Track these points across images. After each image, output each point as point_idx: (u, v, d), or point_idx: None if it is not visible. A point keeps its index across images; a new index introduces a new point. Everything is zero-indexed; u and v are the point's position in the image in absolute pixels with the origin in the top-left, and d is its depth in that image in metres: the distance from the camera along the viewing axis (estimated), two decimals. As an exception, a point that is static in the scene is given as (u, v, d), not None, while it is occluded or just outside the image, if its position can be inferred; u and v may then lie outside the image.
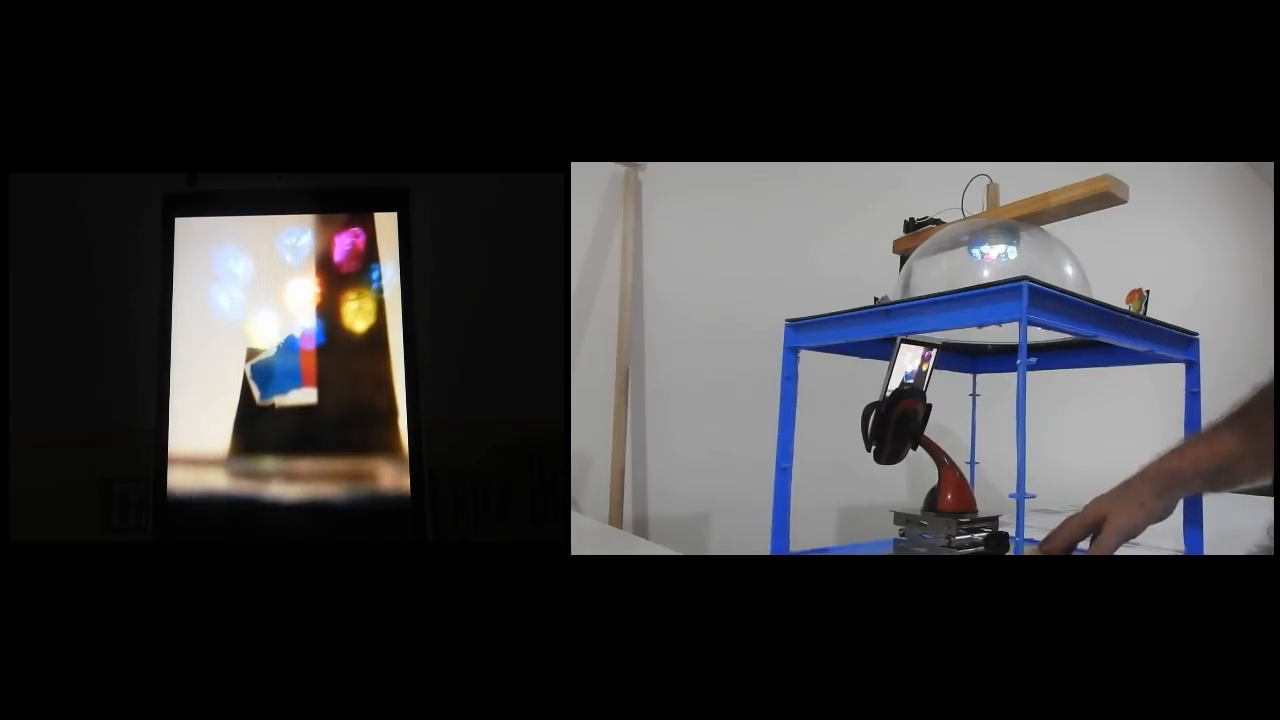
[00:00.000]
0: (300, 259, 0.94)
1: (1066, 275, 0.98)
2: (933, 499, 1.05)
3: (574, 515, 1.14)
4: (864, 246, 1.51)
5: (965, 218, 1.14)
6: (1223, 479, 0.81)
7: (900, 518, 1.08)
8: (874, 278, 1.26)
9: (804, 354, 1.10)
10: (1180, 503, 0.92)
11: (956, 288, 0.89)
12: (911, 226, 1.23)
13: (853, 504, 1.81)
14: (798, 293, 1.71)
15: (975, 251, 1.01)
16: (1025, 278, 0.80)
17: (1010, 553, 0.90)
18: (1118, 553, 0.77)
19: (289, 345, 0.92)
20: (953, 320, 0.89)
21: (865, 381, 1.06)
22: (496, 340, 0.91)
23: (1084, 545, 0.81)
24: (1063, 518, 0.82)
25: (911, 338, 0.98)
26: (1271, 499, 0.80)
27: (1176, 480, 0.81)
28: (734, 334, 1.67)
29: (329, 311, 0.93)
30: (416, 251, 0.93)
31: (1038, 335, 0.94)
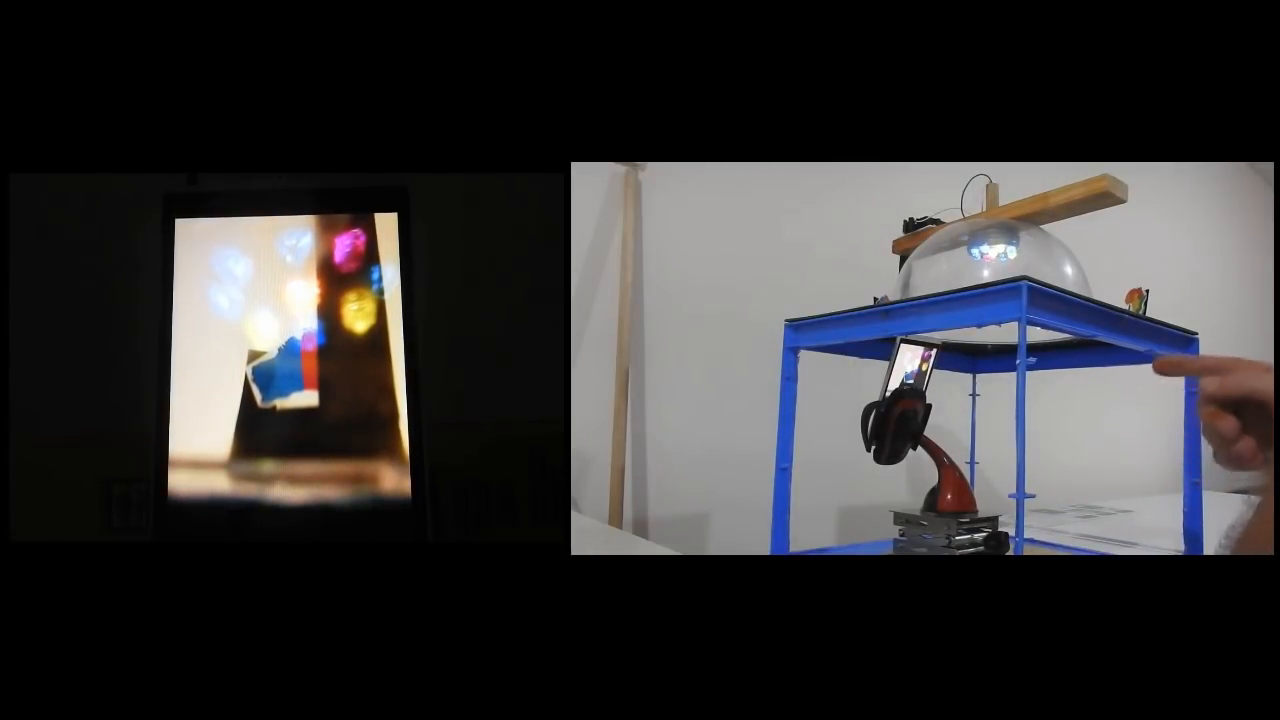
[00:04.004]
0: (300, 260, 0.93)
1: (1066, 275, 0.98)
2: (933, 499, 1.05)
3: (574, 515, 1.14)
4: (864, 246, 1.51)
5: (965, 218, 1.14)
6: None
7: (900, 518, 1.08)
8: (873, 278, 1.26)
9: (804, 353, 1.10)
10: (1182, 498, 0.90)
11: (956, 288, 0.89)
12: (911, 226, 1.23)
13: (853, 504, 1.82)
14: (797, 292, 1.71)
15: (975, 251, 1.01)
16: (1025, 278, 0.81)
17: (1010, 553, 0.90)
18: (1114, 553, 0.77)
19: (290, 348, 0.92)
20: (952, 320, 0.89)
21: (866, 380, 1.06)
22: (496, 340, 0.91)
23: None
24: (1062, 517, 0.82)
25: (911, 338, 0.98)
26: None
27: None
28: (734, 333, 1.67)
29: (329, 313, 0.93)
30: (416, 252, 0.93)
31: (1037, 335, 0.94)
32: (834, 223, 1.86)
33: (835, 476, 1.59)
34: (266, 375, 0.92)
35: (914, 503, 1.09)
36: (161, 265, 0.93)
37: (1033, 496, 0.79)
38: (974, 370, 1.32)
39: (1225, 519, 0.63)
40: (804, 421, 1.10)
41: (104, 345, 0.92)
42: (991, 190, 1.13)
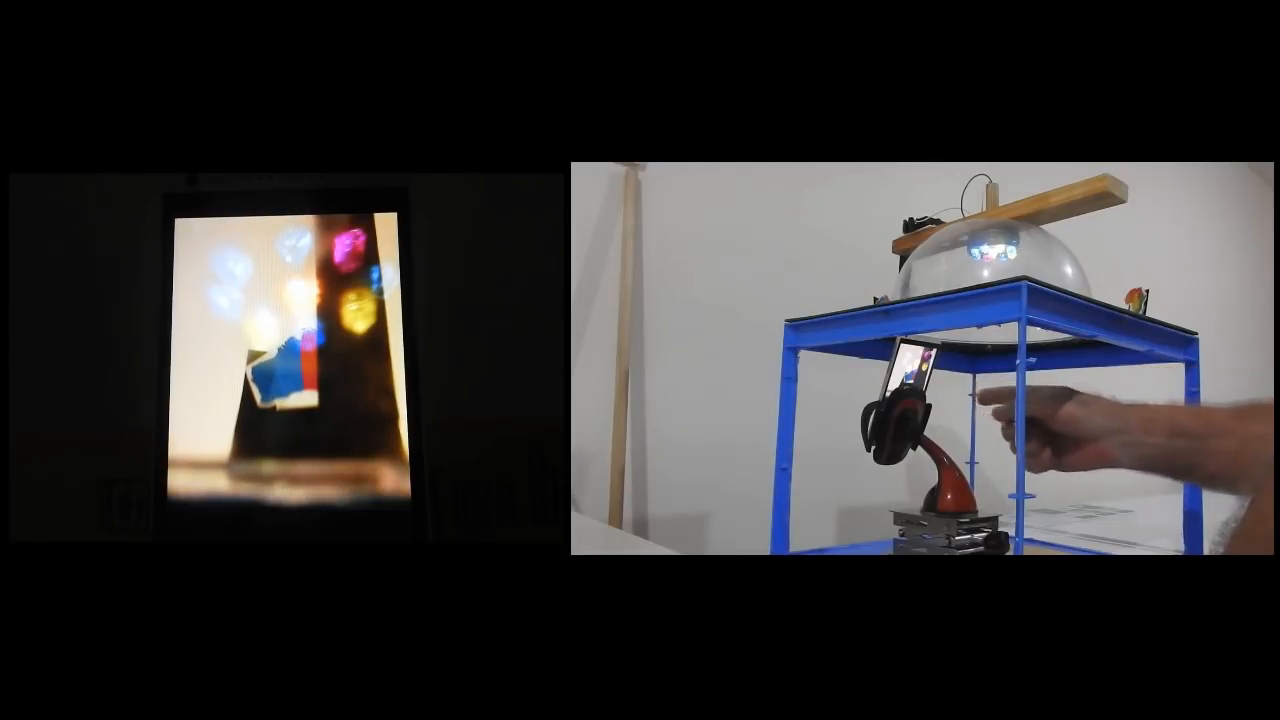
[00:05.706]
0: (300, 260, 0.94)
1: (1066, 275, 0.99)
2: (932, 499, 1.05)
3: (574, 515, 1.14)
4: (863, 246, 1.52)
5: (964, 218, 1.14)
6: (1191, 451, 0.73)
7: (900, 518, 1.08)
8: (873, 277, 1.26)
9: (804, 351, 1.10)
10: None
11: (956, 288, 0.89)
12: (911, 226, 1.23)
13: (853, 504, 1.82)
14: (797, 291, 1.72)
15: (975, 251, 1.01)
16: (1024, 278, 0.81)
17: (1010, 553, 0.90)
18: (1114, 553, 0.77)
19: (290, 348, 0.92)
20: (952, 320, 0.89)
21: (865, 376, 1.06)
22: (496, 340, 0.91)
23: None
24: (1062, 517, 0.82)
25: (911, 338, 0.98)
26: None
27: (1145, 418, 0.78)
28: (735, 332, 1.67)
29: (329, 313, 0.92)
30: (416, 252, 0.93)
31: (1037, 335, 0.94)
32: (834, 221, 1.86)
33: (835, 471, 1.59)
34: (266, 375, 0.92)
35: (914, 503, 1.09)
36: (161, 265, 0.93)
37: (1033, 496, 0.79)
38: (974, 370, 1.32)
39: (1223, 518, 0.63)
40: (804, 417, 1.10)
41: (103, 345, 0.92)
42: (991, 190, 1.13)
